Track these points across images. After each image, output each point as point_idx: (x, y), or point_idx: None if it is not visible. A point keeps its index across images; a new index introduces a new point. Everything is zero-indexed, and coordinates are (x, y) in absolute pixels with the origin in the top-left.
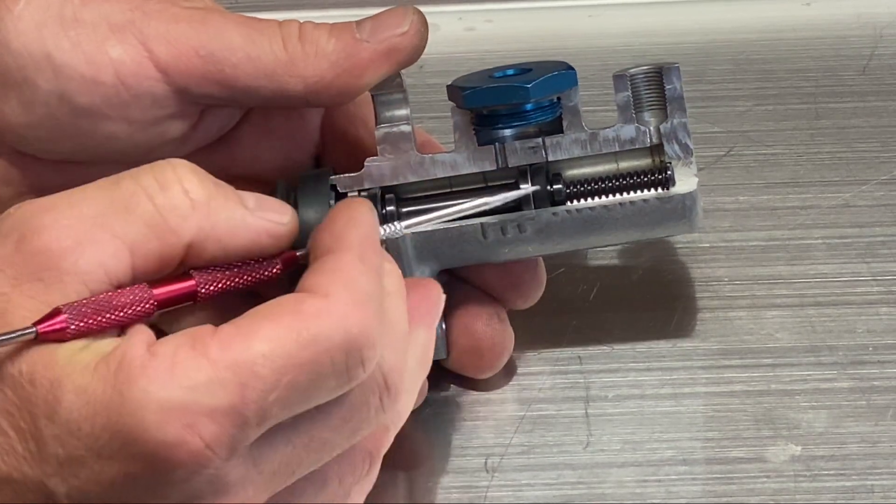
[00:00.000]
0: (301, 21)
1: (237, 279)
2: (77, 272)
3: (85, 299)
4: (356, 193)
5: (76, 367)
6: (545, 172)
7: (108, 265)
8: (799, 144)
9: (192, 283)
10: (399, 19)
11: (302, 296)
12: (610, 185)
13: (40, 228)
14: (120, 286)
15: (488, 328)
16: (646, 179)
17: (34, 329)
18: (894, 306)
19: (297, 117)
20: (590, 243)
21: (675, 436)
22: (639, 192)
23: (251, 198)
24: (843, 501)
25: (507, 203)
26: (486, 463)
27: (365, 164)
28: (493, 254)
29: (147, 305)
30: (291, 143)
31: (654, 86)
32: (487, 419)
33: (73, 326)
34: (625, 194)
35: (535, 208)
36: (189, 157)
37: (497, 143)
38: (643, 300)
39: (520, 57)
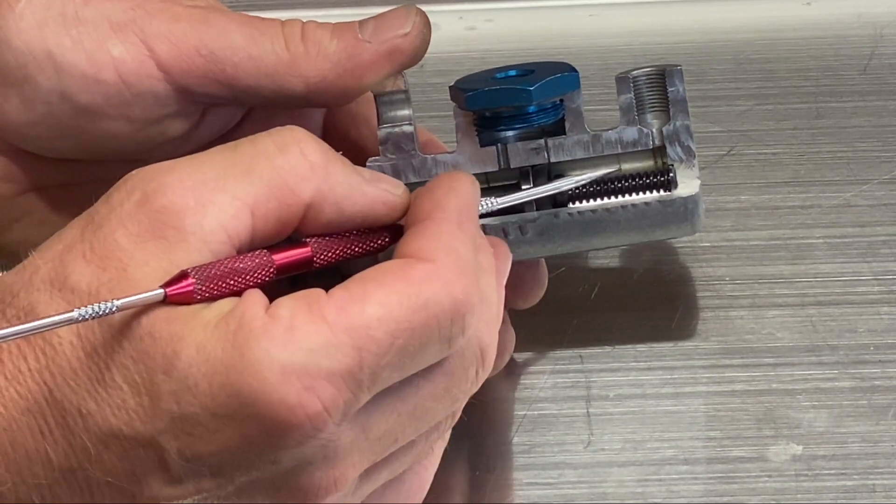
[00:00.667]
0: (304, 20)
1: (350, 248)
2: (200, 232)
3: (210, 263)
4: None
5: (197, 324)
6: (547, 174)
7: (229, 226)
8: (800, 144)
9: (307, 250)
10: (402, 20)
11: (409, 261)
12: (612, 186)
13: (163, 187)
14: (240, 247)
15: None
16: (648, 181)
17: (162, 291)
18: (895, 306)
19: (298, 117)
20: (591, 245)
21: (676, 435)
22: (641, 194)
23: (365, 170)
24: (844, 501)
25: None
26: (487, 462)
27: (367, 164)
28: None
29: (268, 271)
30: None
31: (656, 88)
32: (488, 418)
33: (199, 290)
34: (627, 196)
35: (537, 210)
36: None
37: (499, 145)
38: (644, 300)
39: (520, 56)
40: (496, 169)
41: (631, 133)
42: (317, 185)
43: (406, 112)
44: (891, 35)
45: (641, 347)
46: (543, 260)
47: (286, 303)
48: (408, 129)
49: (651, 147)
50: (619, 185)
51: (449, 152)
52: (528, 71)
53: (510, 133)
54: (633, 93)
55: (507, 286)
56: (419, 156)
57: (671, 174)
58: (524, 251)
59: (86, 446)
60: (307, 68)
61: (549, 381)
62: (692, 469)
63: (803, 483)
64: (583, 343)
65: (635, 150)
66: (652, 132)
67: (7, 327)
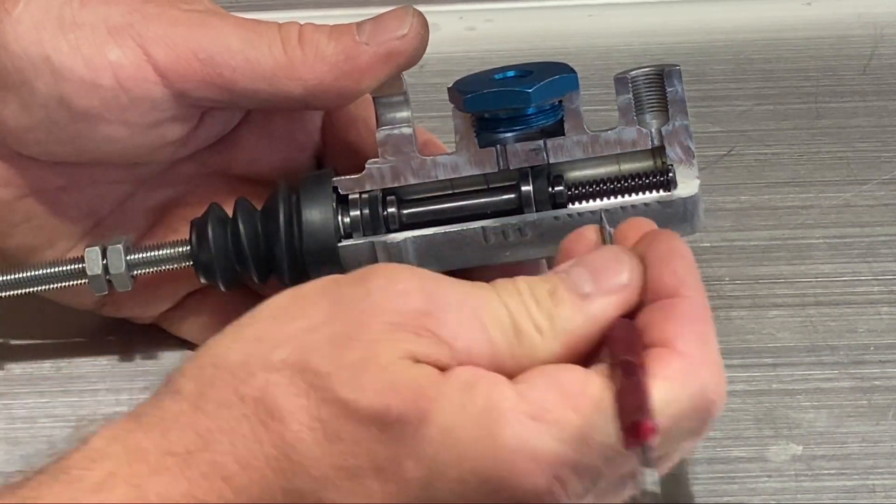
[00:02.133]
0: (301, 23)
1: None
2: (450, 340)
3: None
4: (357, 195)
5: (445, 403)
6: (546, 174)
7: (472, 351)
8: (800, 144)
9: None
10: (399, 22)
11: (664, 353)
12: (611, 187)
13: (430, 295)
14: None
15: None
16: (647, 182)
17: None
18: (895, 306)
19: (297, 119)
20: None
21: None
22: (640, 194)
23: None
24: (844, 501)
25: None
26: None
27: (366, 165)
28: (495, 257)
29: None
30: (292, 144)
31: (655, 88)
32: None
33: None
34: (626, 196)
35: (537, 211)
36: (189, 158)
37: (498, 146)
38: None
39: (520, 56)
40: (495, 170)
41: (630, 133)
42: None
43: (405, 114)
44: (891, 35)
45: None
46: (544, 260)
47: (537, 383)
48: (407, 130)
49: (650, 147)
50: (619, 185)
51: (448, 153)
52: (527, 72)
53: (509, 134)
54: (631, 93)
55: None
56: (418, 157)
57: (670, 174)
58: (524, 252)
59: None
60: (304, 71)
61: None
62: (692, 469)
63: (803, 483)
64: None
65: (634, 150)
66: (651, 132)
67: None
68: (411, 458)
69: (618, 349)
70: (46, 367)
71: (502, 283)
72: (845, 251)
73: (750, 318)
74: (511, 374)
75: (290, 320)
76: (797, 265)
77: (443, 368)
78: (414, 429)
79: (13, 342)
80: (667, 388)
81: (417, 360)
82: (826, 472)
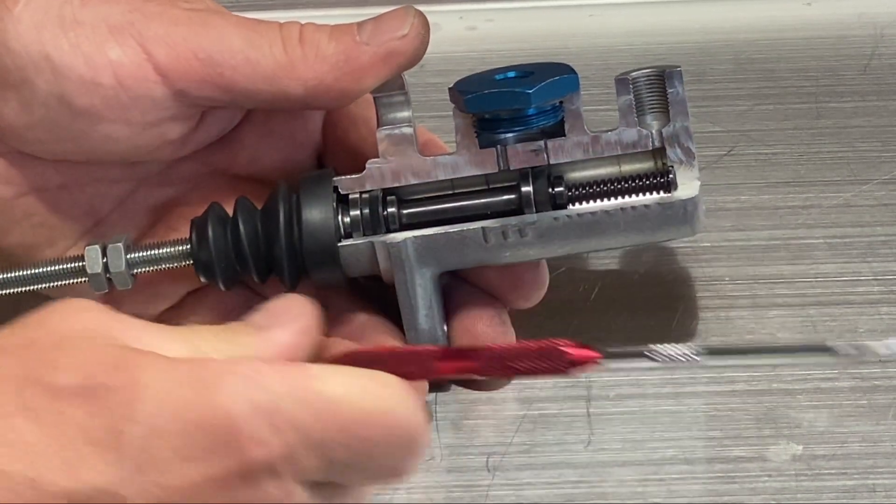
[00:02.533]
0: (302, 23)
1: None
2: None
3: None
4: (357, 195)
5: (158, 367)
6: (547, 175)
7: None
8: (800, 144)
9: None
10: (399, 21)
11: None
12: (612, 188)
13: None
14: None
15: (490, 329)
16: (648, 183)
17: None
18: (895, 306)
19: (297, 118)
20: (591, 247)
21: (676, 435)
22: (641, 195)
23: None
24: (844, 500)
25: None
26: (487, 462)
27: (367, 165)
28: (494, 257)
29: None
30: (292, 144)
31: (656, 89)
32: (489, 418)
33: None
34: (627, 198)
35: (537, 212)
36: (189, 157)
37: (499, 146)
38: (644, 300)
39: (520, 56)
40: (496, 171)
41: (630, 134)
42: None
43: (406, 114)
44: (891, 35)
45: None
46: (544, 260)
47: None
48: (407, 130)
49: (651, 148)
50: (619, 186)
51: (448, 153)
52: (528, 72)
53: (509, 135)
54: (632, 94)
55: (508, 287)
56: (419, 157)
57: (671, 175)
58: (524, 253)
59: None
60: (305, 71)
61: (549, 380)
62: (692, 469)
63: (803, 483)
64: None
65: (635, 151)
66: (652, 133)
67: None
68: (128, 422)
69: None
70: None
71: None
72: (845, 251)
73: (750, 318)
74: None
75: None
76: (797, 265)
77: None
78: (126, 394)
79: None
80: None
81: None
82: (826, 471)
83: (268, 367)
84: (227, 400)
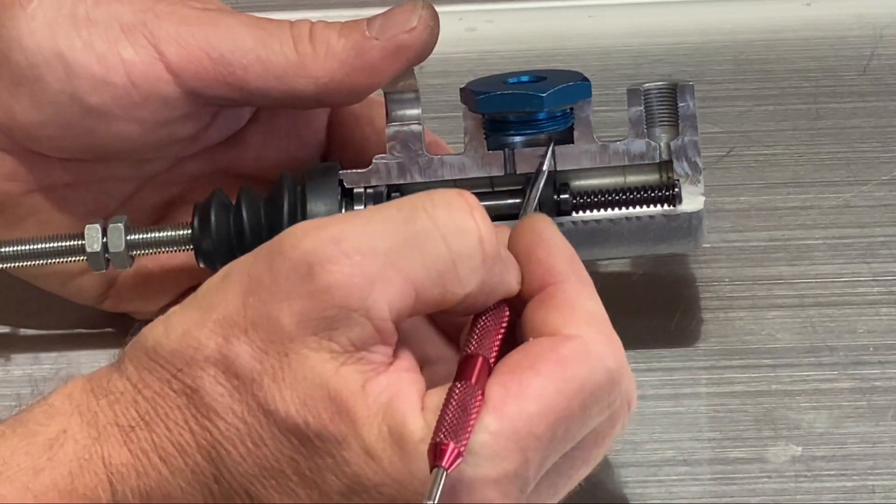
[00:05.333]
0: (312, 21)
1: (497, 344)
2: (364, 308)
3: (442, 416)
4: (363, 190)
5: (362, 427)
6: (553, 181)
7: (393, 303)
8: (799, 145)
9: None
10: (408, 15)
11: (555, 341)
12: (616, 198)
13: (330, 262)
14: (397, 321)
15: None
16: (653, 195)
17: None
18: (895, 307)
19: (302, 117)
20: (593, 255)
21: (675, 436)
22: (645, 207)
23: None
24: (843, 502)
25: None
26: None
27: (374, 160)
28: None
29: (479, 400)
30: (297, 143)
31: (667, 102)
32: None
33: (458, 445)
34: (631, 208)
35: None
36: (195, 156)
37: (507, 150)
38: (644, 301)
39: (521, 56)
40: (502, 174)
41: (639, 146)
42: (482, 279)
43: (415, 111)
44: (891, 36)
45: (641, 348)
46: None
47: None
48: (416, 128)
49: (658, 161)
50: (624, 196)
51: (455, 154)
52: (541, 77)
53: (518, 138)
54: (643, 106)
55: None
56: (426, 156)
57: (676, 189)
58: None
59: None
60: (316, 69)
61: None
62: (692, 470)
63: (803, 484)
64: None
65: (642, 162)
66: (660, 146)
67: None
68: (332, 473)
69: (467, 344)
70: (46, 364)
71: (428, 198)
72: (845, 252)
73: (750, 319)
74: (443, 304)
75: (209, 310)
76: (797, 266)
77: (365, 348)
78: (332, 447)
79: (13, 337)
80: (561, 373)
81: (337, 355)
82: (826, 472)
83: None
84: (424, 483)
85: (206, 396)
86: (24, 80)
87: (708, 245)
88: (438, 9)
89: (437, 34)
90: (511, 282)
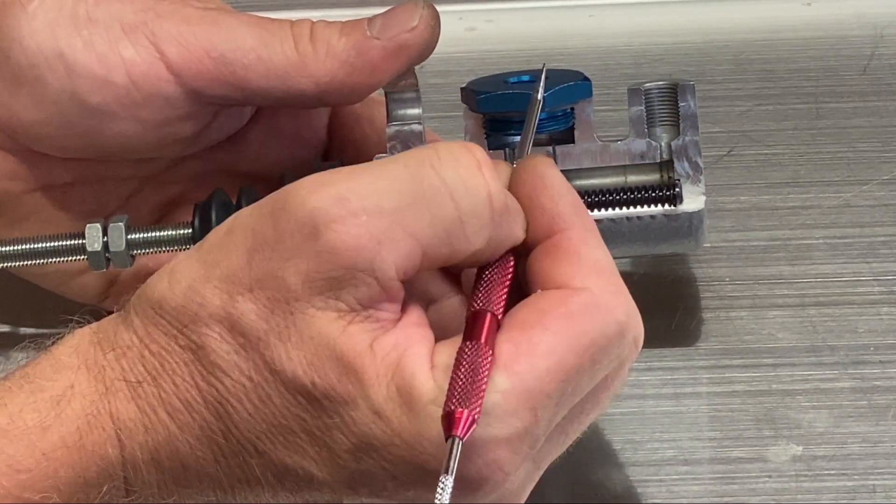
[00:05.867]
0: (313, 20)
1: (504, 295)
2: (370, 269)
3: (452, 385)
4: None
5: (370, 386)
6: None
7: (400, 263)
8: (800, 144)
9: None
10: (408, 15)
11: (565, 294)
12: (617, 198)
13: (336, 222)
14: (404, 279)
15: None
16: (654, 195)
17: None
18: (895, 306)
19: (303, 117)
20: None
21: (676, 436)
22: (646, 207)
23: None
24: (844, 501)
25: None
26: None
27: (374, 158)
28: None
29: (489, 360)
30: (298, 142)
31: (668, 102)
32: None
33: (471, 412)
34: (632, 208)
35: None
36: (196, 155)
37: (507, 149)
38: (644, 300)
39: (520, 57)
40: None
41: (639, 145)
42: (490, 234)
43: (416, 111)
44: (891, 35)
45: (641, 348)
46: None
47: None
48: (417, 127)
49: (658, 160)
50: (625, 196)
51: None
52: None
53: (519, 138)
54: (644, 105)
55: None
56: None
57: (677, 189)
58: None
59: (260, 479)
60: (316, 68)
61: None
62: (692, 470)
63: (803, 483)
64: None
65: (643, 162)
66: (661, 145)
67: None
68: (340, 433)
69: (474, 300)
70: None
71: (435, 154)
72: (845, 251)
73: (750, 319)
74: (450, 261)
75: (214, 265)
76: (797, 265)
77: (372, 306)
78: (340, 408)
79: (13, 337)
80: (571, 328)
81: (344, 314)
82: (826, 472)
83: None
84: (435, 443)
85: (211, 354)
86: (25, 79)
87: (708, 245)
88: (439, 8)
89: (438, 34)
90: (518, 232)
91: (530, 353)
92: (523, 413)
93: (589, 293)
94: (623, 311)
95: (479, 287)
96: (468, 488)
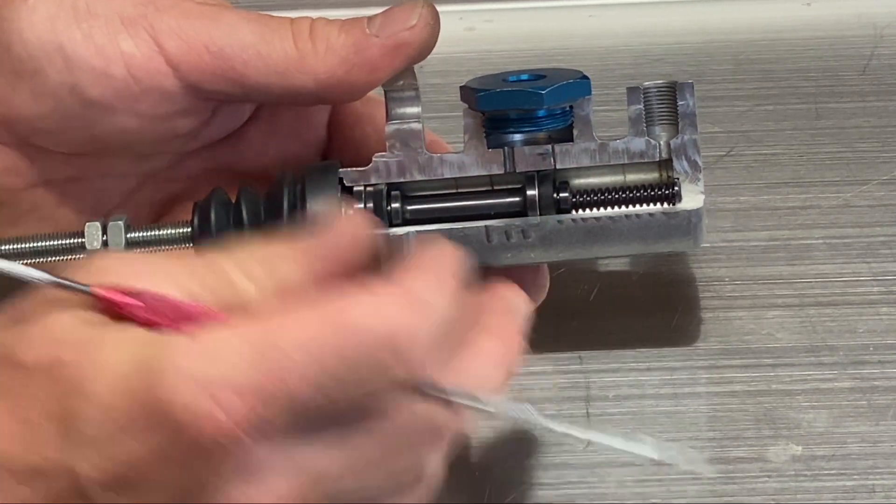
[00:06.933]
0: (313, 18)
1: None
2: None
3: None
4: (362, 188)
5: (107, 344)
6: (552, 180)
7: None
8: (799, 144)
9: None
10: (408, 14)
11: (349, 291)
12: (616, 196)
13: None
14: None
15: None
16: (652, 193)
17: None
18: (895, 306)
19: (303, 115)
20: (593, 253)
21: (675, 436)
22: (645, 205)
23: None
24: (844, 501)
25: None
26: (487, 462)
27: (373, 158)
28: (496, 258)
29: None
30: (297, 141)
31: (667, 101)
32: (487, 418)
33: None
34: (631, 207)
35: (541, 215)
36: (196, 153)
37: (506, 148)
38: (644, 301)
39: (520, 56)
40: (502, 172)
41: (638, 144)
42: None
43: (415, 109)
44: (891, 35)
45: (641, 348)
46: (545, 265)
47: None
48: (416, 126)
49: (657, 159)
50: (624, 195)
51: (455, 152)
52: (540, 75)
53: (518, 136)
54: (642, 104)
55: None
56: (426, 154)
57: (676, 187)
58: (525, 255)
59: (13, 490)
60: (316, 65)
61: (548, 381)
62: (692, 470)
63: (803, 483)
64: (582, 344)
65: (642, 161)
66: (659, 144)
67: None
68: (80, 398)
69: None
70: None
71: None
72: (845, 251)
73: (749, 319)
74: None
75: None
76: (797, 265)
77: None
78: (81, 370)
79: None
80: (332, 310)
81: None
82: (826, 472)
83: (219, 333)
84: (165, 378)
85: None
86: (25, 72)
87: (708, 244)
88: (439, 8)
89: (438, 33)
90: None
91: (282, 317)
92: (260, 365)
93: (373, 295)
94: (407, 324)
95: None
96: (194, 423)
